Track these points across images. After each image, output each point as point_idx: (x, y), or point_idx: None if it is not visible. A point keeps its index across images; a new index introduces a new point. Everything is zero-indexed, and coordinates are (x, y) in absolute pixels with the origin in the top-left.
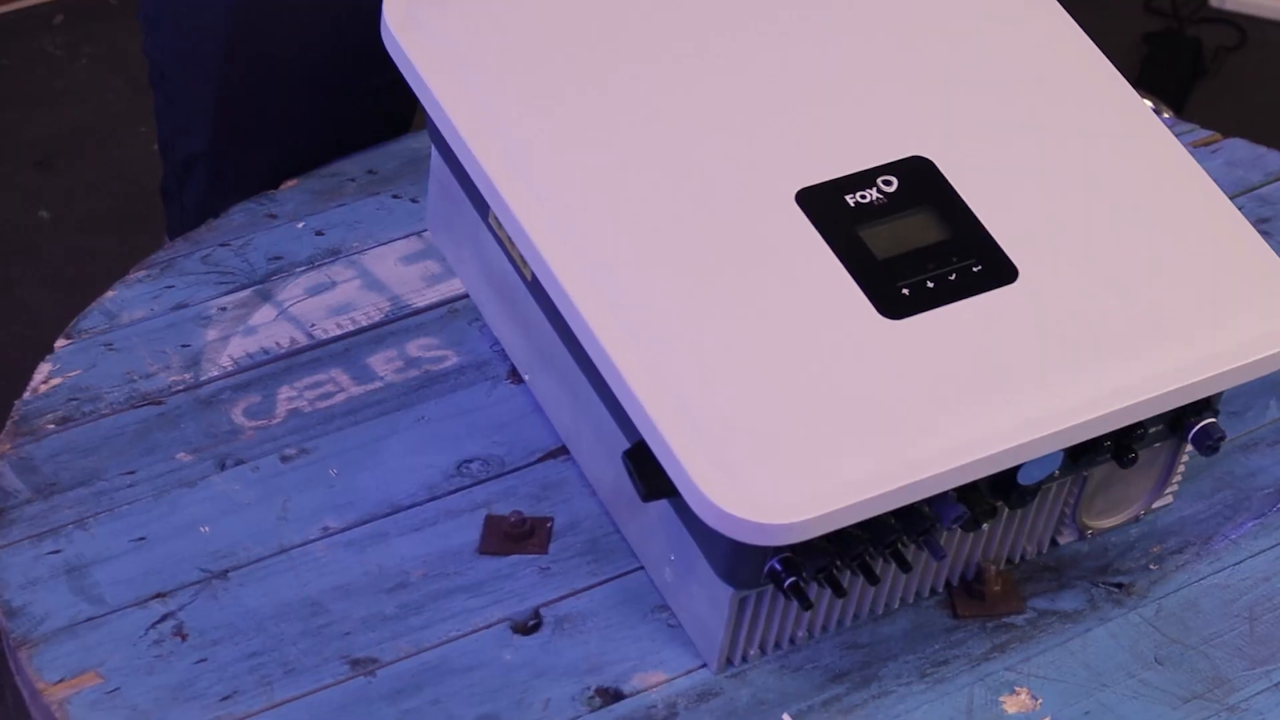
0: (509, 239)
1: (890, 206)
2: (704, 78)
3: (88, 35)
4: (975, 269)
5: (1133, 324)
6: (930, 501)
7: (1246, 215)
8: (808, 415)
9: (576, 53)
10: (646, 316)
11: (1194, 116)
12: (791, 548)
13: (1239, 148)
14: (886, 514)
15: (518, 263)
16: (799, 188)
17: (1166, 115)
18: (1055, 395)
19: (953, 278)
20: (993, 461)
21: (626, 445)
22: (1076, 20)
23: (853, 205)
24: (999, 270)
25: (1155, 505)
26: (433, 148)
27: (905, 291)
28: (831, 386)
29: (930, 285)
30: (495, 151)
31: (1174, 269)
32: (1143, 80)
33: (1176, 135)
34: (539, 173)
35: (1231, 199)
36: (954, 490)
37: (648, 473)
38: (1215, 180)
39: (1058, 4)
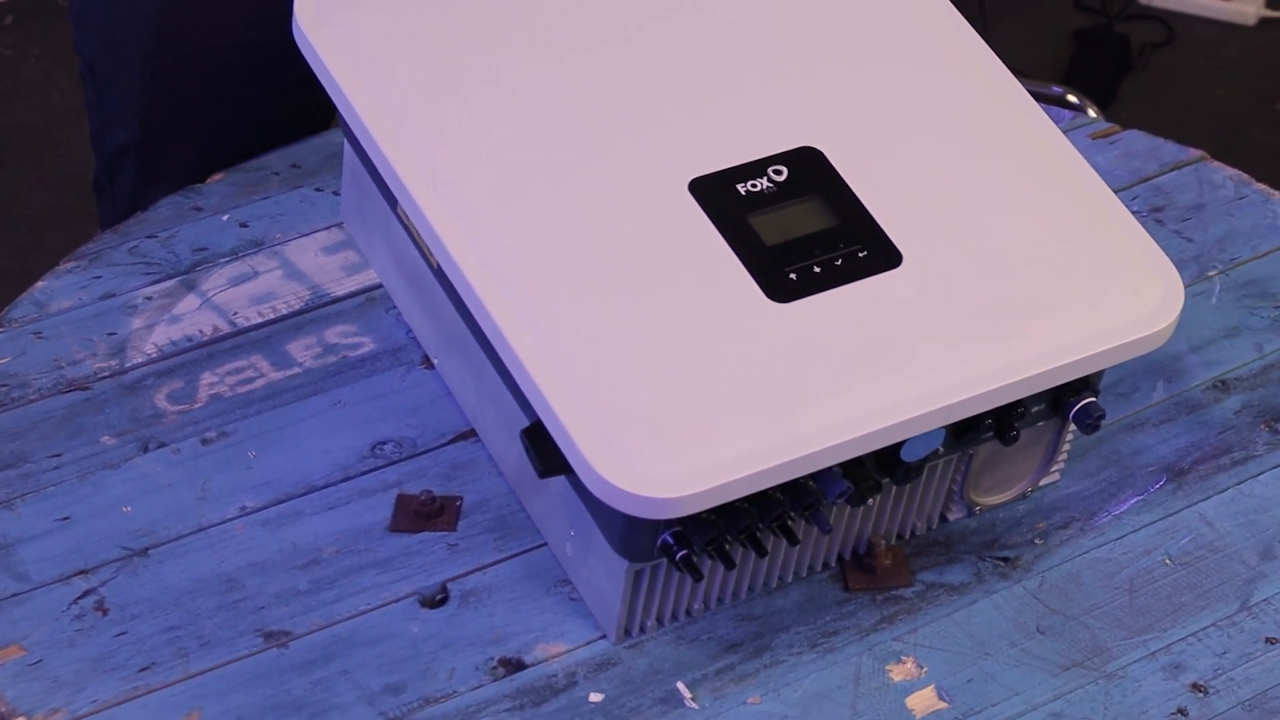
0: (415, 229)
1: (780, 195)
2: (601, 71)
3: (37, 35)
4: (861, 254)
5: (1012, 306)
6: (815, 477)
7: (1141, 204)
8: (696, 394)
9: (478, 49)
10: (543, 301)
11: (1121, 112)
12: (682, 521)
13: (1136, 139)
14: (773, 489)
15: (424, 251)
16: (692, 177)
17: (1091, 112)
18: (936, 374)
19: (839, 263)
20: (875, 438)
21: (526, 424)
22: (1006, 16)
23: (743, 194)
24: (884, 255)
25: (1042, 483)
26: (345, 143)
27: (793, 276)
28: (720, 367)
29: (817, 270)
30: (400, 144)
31: (1053, 253)
32: (1071, 76)
33: (1077, 128)
34: (442, 164)
35: (1128, 189)
36: (839, 466)
37: (545, 451)
38: (1112, 171)
39: None
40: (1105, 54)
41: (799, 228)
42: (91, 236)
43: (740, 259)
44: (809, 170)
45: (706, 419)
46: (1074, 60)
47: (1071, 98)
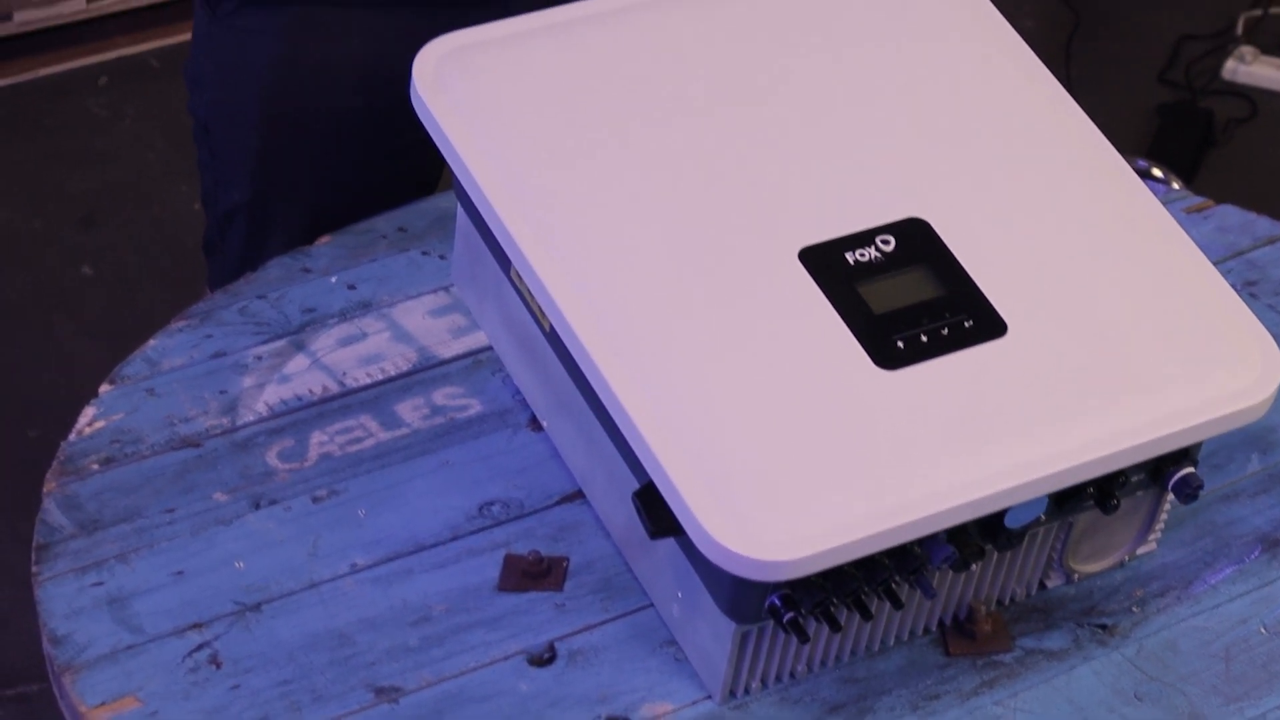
0: (529, 292)
1: (888, 264)
2: (713, 139)
3: (131, 96)
4: (967, 323)
5: (1115, 377)
6: (921, 542)
7: (1235, 279)
8: (806, 459)
9: (593, 114)
10: (656, 365)
11: (1205, 186)
12: (790, 584)
13: (1230, 214)
14: (880, 553)
15: (537, 315)
16: (802, 246)
17: (1175, 185)
18: (1040, 443)
19: (945, 332)
20: (980, 505)
21: (636, 486)
22: (1091, 90)
23: (852, 263)
24: (989, 325)
25: (1139, 551)
26: (459, 205)
27: (900, 344)
28: (829, 432)
29: (924, 339)
30: (515, 208)
31: (1155, 325)
32: (1156, 150)
33: (1171, 202)
34: (556, 229)
35: (1222, 263)
36: (944, 532)
37: (656, 512)
38: (1206, 245)
39: (1049, 73)
40: (1189, 128)
41: (906, 297)
42: (187, 294)
43: (849, 326)
44: (916, 241)
45: (816, 483)
46: (1158, 134)
47: (1156, 171)
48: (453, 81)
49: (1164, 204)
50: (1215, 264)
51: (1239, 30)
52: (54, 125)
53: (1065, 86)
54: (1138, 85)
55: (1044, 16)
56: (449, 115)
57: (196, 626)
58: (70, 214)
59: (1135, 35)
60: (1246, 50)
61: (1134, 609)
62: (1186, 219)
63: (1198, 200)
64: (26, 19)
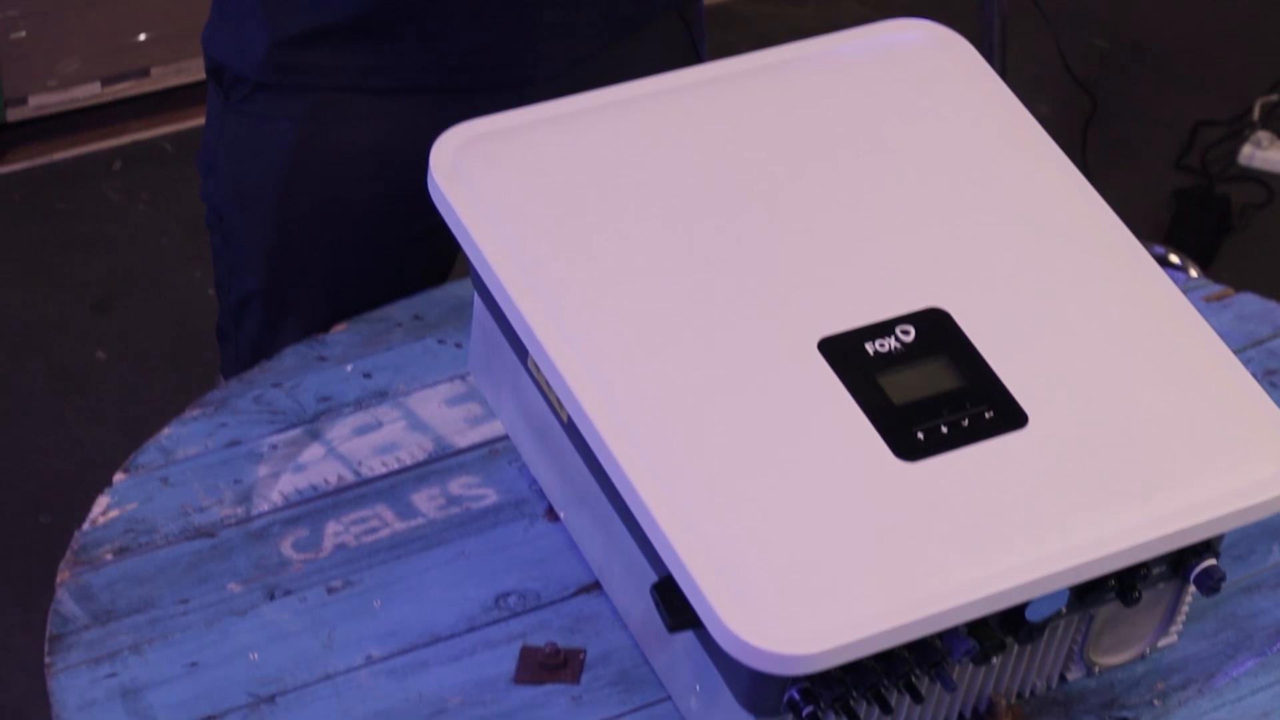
0: (546, 382)
1: (908, 355)
2: (732, 228)
3: (145, 181)
4: (987, 414)
5: (1135, 469)
6: (941, 635)
7: (1255, 367)
8: (826, 552)
9: (610, 204)
10: (675, 457)
11: (1222, 272)
12: (809, 678)
13: (1249, 302)
14: (900, 647)
15: (554, 405)
16: (821, 336)
17: (1193, 272)
18: (1061, 536)
19: (965, 423)
20: (1000, 598)
21: (655, 579)
22: (1108, 176)
23: (872, 354)
24: (1009, 416)
25: (1160, 643)
26: (475, 294)
27: (920, 435)
28: (848, 525)
29: (944, 430)
30: (533, 298)
31: (1176, 416)
32: (1172, 236)
33: (1190, 290)
34: (574, 319)
35: (1242, 351)
36: (964, 625)
37: (674, 605)
38: (1226, 333)
39: (1067, 158)
40: (1206, 214)
41: (927, 388)
42: (201, 380)
43: (869, 417)
44: (936, 331)
45: (836, 576)
46: (1175, 220)
47: (1174, 257)
48: (470, 170)
49: (1183, 292)
50: (1235, 353)
51: (1255, 116)
52: (68, 209)
53: (1082, 172)
54: (1154, 171)
55: (1061, 102)
56: (466, 204)
57: (210, 719)
58: (84, 298)
59: (1151, 121)
60: (1263, 135)
61: (1155, 702)
62: (1206, 307)
63: (1217, 288)
64: (41, 103)
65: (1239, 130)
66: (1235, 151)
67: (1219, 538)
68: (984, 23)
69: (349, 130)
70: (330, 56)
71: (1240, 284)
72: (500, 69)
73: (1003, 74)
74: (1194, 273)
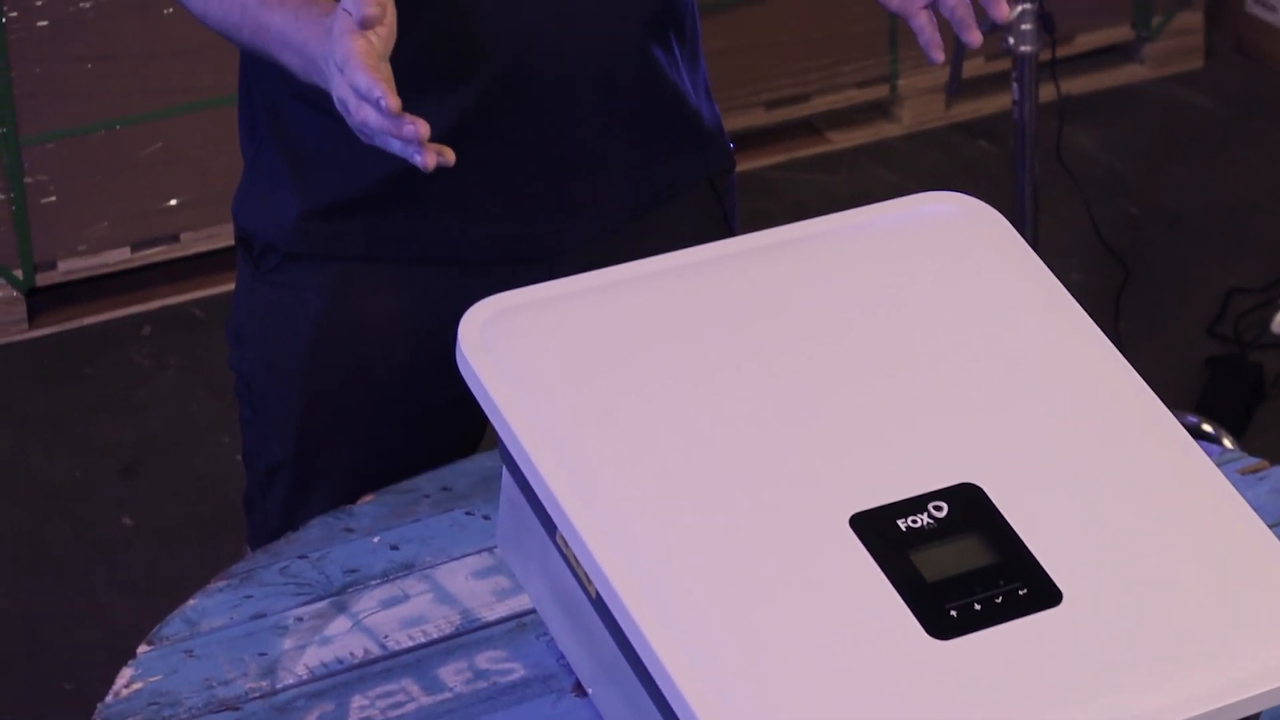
0: (574, 557)
1: (940, 531)
2: (762, 401)
3: (174, 346)
4: (1021, 592)
5: (1172, 646)
6: None
7: None
8: None
9: (639, 378)
10: (704, 633)
11: (1255, 441)
12: None
13: None
14: None
15: (583, 580)
16: (853, 512)
17: (1227, 442)
18: (1097, 715)
19: (999, 600)
20: None
21: None
22: (1140, 344)
23: (904, 530)
24: (1044, 593)
25: None
26: (503, 467)
27: (953, 613)
28: (881, 703)
29: (977, 607)
30: (561, 473)
31: (1211, 593)
32: (1205, 404)
33: (1225, 463)
34: (603, 495)
35: (1277, 526)
36: None
37: None
38: (1262, 507)
39: (1098, 328)
40: (1239, 383)
41: (960, 565)
42: (228, 546)
43: (901, 594)
44: (969, 507)
45: None
46: (1208, 388)
47: (1207, 427)
48: (499, 344)
49: (1221, 464)
50: (1271, 527)
51: None
52: (96, 374)
53: (1114, 340)
54: (1187, 339)
55: (1092, 270)
56: (494, 377)
57: None
58: (112, 463)
59: (1184, 289)
60: None
61: None
62: (1241, 481)
63: (1252, 461)
64: (71, 268)
65: (1272, 298)
66: (1268, 319)
67: (1256, 716)
68: (1015, 190)
69: (377, 301)
70: (359, 227)
71: (1274, 454)
72: (529, 242)
73: (1034, 242)
74: (1228, 443)
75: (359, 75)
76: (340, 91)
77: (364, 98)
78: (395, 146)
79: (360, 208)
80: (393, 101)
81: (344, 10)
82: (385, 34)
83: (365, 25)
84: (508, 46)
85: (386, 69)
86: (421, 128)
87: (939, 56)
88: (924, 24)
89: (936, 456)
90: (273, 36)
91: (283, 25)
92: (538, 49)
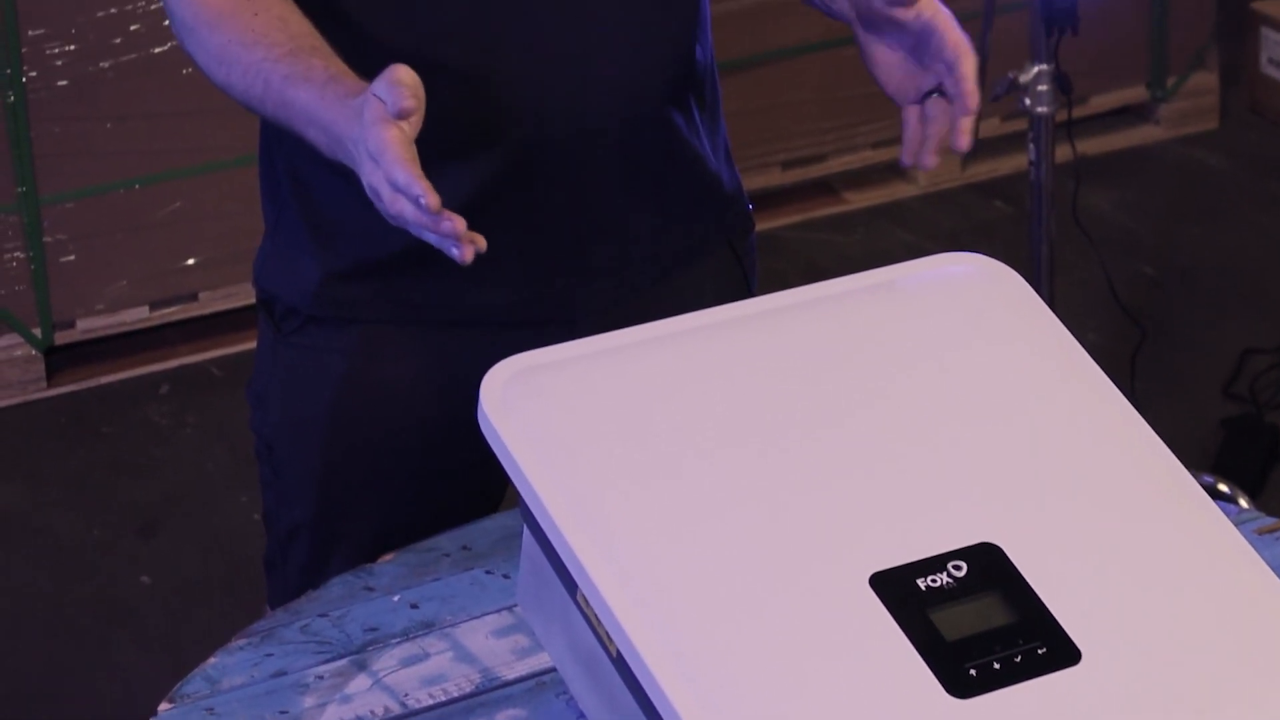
0: (595, 616)
1: (959, 590)
2: (783, 462)
3: (192, 405)
4: (1040, 651)
5: (1190, 706)
6: None
7: None
8: None
9: (661, 437)
10: (725, 693)
11: (1271, 501)
12: None
13: None
14: None
15: (604, 639)
16: (873, 571)
17: (1243, 502)
18: None
19: (1018, 659)
20: None
21: None
22: (1156, 404)
23: (924, 589)
24: (1063, 652)
25: None
26: (524, 526)
27: (973, 672)
28: None
29: (997, 666)
30: (583, 533)
31: (1229, 652)
32: (1220, 465)
33: (1242, 523)
34: (625, 554)
35: None
36: None
37: None
38: (1279, 567)
39: (1115, 388)
40: (1255, 443)
41: (979, 623)
42: (248, 605)
43: (920, 654)
44: (989, 566)
45: None
46: (1223, 448)
47: (1223, 486)
48: (520, 404)
49: (1238, 524)
50: None
51: None
52: (114, 433)
53: (1130, 400)
54: (1202, 399)
55: (1109, 330)
56: (516, 438)
57: None
58: (129, 523)
59: (1199, 349)
60: None
61: None
62: (1258, 540)
63: (1269, 520)
64: (89, 326)
65: None
66: None
67: None
68: (1031, 250)
69: (398, 364)
70: (381, 291)
71: None
72: (550, 305)
73: (1050, 302)
74: (1244, 503)
75: (397, 170)
76: (373, 180)
77: (401, 192)
78: (431, 239)
79: (382, 272)
80: (433, 200)
81: (375, 96)
82: (416, 121)
83: (401, 117)
84: (529, 115)
85: (414, 151)
86: (459, 224)
87: (908, 161)
88: (909, 118)
89: (956, 516)
90: (296, 112)
91: (308, 102)
92: (558, 117)
